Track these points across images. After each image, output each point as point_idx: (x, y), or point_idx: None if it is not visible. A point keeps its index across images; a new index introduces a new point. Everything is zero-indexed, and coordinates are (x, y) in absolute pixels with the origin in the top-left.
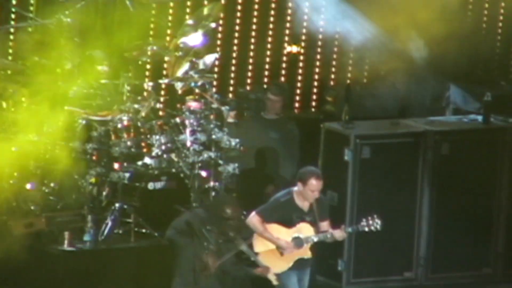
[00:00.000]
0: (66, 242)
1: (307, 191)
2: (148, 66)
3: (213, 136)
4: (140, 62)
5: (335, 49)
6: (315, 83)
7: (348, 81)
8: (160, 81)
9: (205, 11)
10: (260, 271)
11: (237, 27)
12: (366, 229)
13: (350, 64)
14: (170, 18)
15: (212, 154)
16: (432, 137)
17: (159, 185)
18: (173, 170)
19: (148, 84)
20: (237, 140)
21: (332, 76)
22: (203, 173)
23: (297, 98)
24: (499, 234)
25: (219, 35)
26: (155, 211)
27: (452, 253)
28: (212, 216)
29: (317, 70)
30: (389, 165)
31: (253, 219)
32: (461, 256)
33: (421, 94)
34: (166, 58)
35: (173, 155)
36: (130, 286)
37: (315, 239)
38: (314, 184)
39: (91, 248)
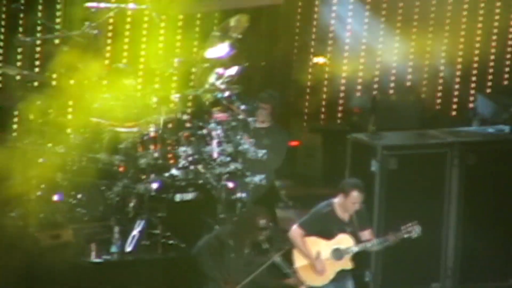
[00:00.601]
0: (93, 253)
1: (349, 203)
2: (175, 78)
3: (240, 147)
4: (167, 74)
5: (362, 60)
6: (341, 94)
7: (375, 92)
8: (187, 92)
9: (232, 22)
10: (292, 283)
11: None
12: (407, 235)
13: (376, 76)
14: (197, 29)
15: (239, 165)
16: (459, 148)
17: (186, 196)
18: (200, 181)
19: (175, 96)
20: (264, 151)
21: (358, 86)
22: (230, 184)
23: (323, 109)
24: None
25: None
26: (182, 222)
27: (479, 264)
28: (244, 229)
29: (342, 81)
30: (416, 176)
31: (294, 232)
32: (488, 267)
33: (446, 105)
34: (193, 70)
35: (199, 167)
36: None
37: (355, 250)
38: (356, 196)
39: (118, 260)
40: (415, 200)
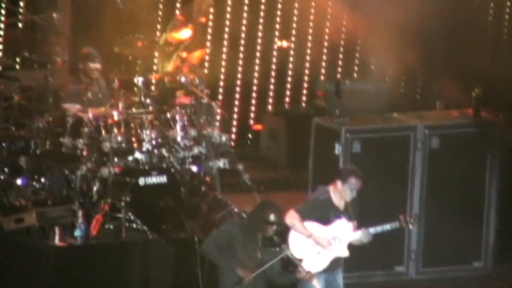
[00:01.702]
0: (57, 237)
1: (346, 190)
2: (138, 61)
3: (204, 131)
4: (130, 58)
5: (325, 44)
6: (305, 78)
7: (339, 76)
8: (150, 76)
9: (195, 6)
10: (304, 277)
11: (227, 22)
12: (404, 225)
13: (340, 59)
14: (160, 13)
15: (203, 149)
16: (422, 131)
17: (150, 180)
18: (164, 165)
19: (138, 79)
20: (227, 135)
21: (322, 71)
22: (194, 168)
23: (288, 93)
24: (490, 228)
25: (209, 30)
26: (145, 206)
27: (442, 247)
28: (255, 223)
29: (307, 65)
30: (380, 160)
31: (292, 216)
32: (451, 250)
33: (410, 89)
34: (156, 53)
35: (163, 150)
36: (121, 281)
37: (353, 237)
38: (354, 182)
39: (81, 244)
40: (378, 184)
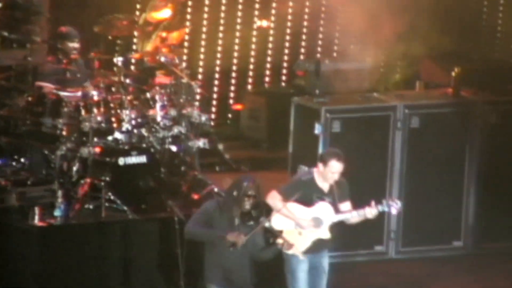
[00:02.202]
0: (36, 217)
1: (328, 172)
2: (118, 41)
3: (183, 111)
4: (109, 37)
5: (305, 24)
6: (285, 57)
7: (319, 56)
8: (130, 55)
9: None
10: (283, 246)
11: (207, 2)
12: (387, 209)
13: (320, 39)
14: None
15: (182, 129)
16: (402, 111)
17: (129, 160)
18: (144, 145)
19: (118, 59)
20: (207, 114)
21: (302, 50)
22: (174, 148)
23: (268, 72)
24: (470, 207)
25: (189, 10)
26: (125, 186)
27: (422, 227)
28: (232, 197)
29: (287, 44)
30: (360, 139)
31: (273, 196)
32: (431, 229)
33: (390, 68)
34: (135, 33)
35: (143, 130)
36: (101, 261)
37: (335, 220)
38: (335, 165)
39: (61, 223)
40: (358, 163)
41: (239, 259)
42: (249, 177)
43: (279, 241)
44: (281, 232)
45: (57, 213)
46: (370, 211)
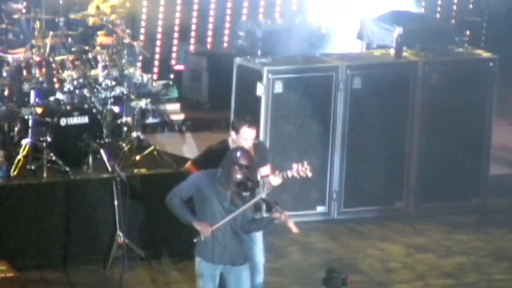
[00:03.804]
0: None
1: (240, 140)
2: (60, 1)
3: (125, 72)
4: None
5: None
6: (227, 18)
7: (261, 16)
8: (72, 16)
9: None
10: (280, 218)
11: None
12: (296, 174)
13: None
14: None
15: (124, 90)
16: (344, 71)
17: (71, 120)
18: (85, 105)
19: (59, 20)
20: (149, 75)
21: (245, 11)
22: (116, 109)
23: (209, 33)
24: (411, 168)
25: None
26: (67, 147)
27: (365, 188)
28: (226, 168)
29: (229, 5)
30: (302, 100)
31: (188, 167)
32: (373, 190)
33: (333, 29)
34: None
35: (85, 91)
36: (42, 222)
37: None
38: (247, 132)
39: (3, 184)
40: (301, 124)
41: (229, 235)
42: (241, 148)
43: (276, 214)
44: (276, 204)
45: None
46: (274, 179)
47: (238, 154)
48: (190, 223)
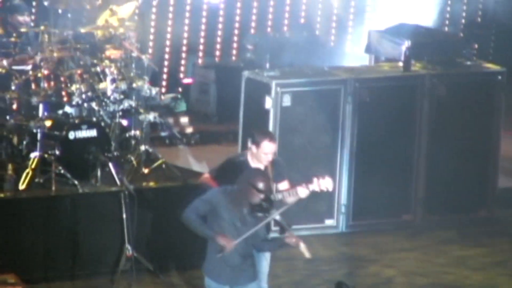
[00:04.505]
0: None
1: (260, 154)
2: (69, 15)
3: (134, 85)
4: (60, 11)
5: None
6: (236, 31)
7: (269, 29)
8: (80, 29)
9: None
10: (291, 242)
11: None
12: (317, 189)
13: (270, 12)
14: None
15: (133, 103)
16: (352, 85)
17: (80, 134)
18: (94, 118)
19: (68, 33)
20: (157, 88)
21: (253, 24)
22: (124, 122)
23: (218, 46)
24: (419, 180)
25: None
26: (75, 160)
27: (372, 200)
28: (243, 190)
29: (237, 18)
30: (310, 113)
31: (204, 179)
32: (381, 203)
33: (341, 41)
34: (86, 6)
35: (93, 104)
36: (50, 235)
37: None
38: (268, 146)
39: (11, 197)
40: (309, 137)
41: (238, 255)
42: (261, 172)
43: (288, 237)
44: (289, 226)
45: (6, 186)
46: (303, 191)
47: (256, 176)
48: (211, 238)
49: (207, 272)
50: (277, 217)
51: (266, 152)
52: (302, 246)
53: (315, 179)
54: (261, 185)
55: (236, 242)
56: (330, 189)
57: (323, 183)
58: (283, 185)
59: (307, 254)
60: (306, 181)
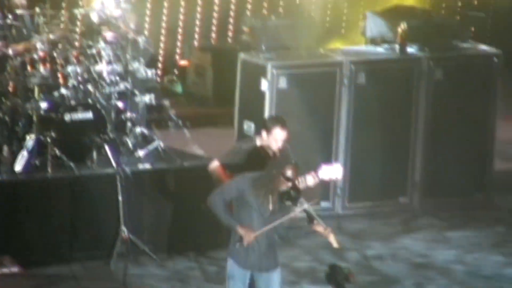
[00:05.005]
0: None
1: (271, 140)
2: None
3: (129, 67)
4: None
5: None
6: (232, 14)
7: (264, 11)
8: (76, 11)
9: None
10: (321, 231)
11: None
12: (326, 178)
13: None
14: None
15: (129, 85)
16: (348, 67)
17: (76, 115)
18: (90, 100)
19: (64, 15)
20: (153, 70)
21: (249, 6)
22: (120, 104)
23: (214, 28)
24: (416, 163)
25: None
26: (71, 142)
27: (368, 183)
28: (272, 177)
29: (233, 0)
30: (306, 95)
31: (214, 164)
32: (377, 185)
33: (336, 24)
34: None
35: (89, 86)
36: (48, 217)
37: None
38: (279, 133)
39: (7, 179)
40: (305, 120)
41: (265, 242)
42: (291, 160)
43: (317, 226)
44: (319, 217)
45: (2, 169)
46: (311, 179)
47: (284, 164)
48: (232, 227)
49: (232, 255)
50: (305, 206)
51: (276, 139)
52: (331, 236)
53: (324, 167)
54: (289, 173)
55: (257, 234)
56: (340, 177)
57: (333, 172)
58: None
59: (335, 244)
60: (315, 169)
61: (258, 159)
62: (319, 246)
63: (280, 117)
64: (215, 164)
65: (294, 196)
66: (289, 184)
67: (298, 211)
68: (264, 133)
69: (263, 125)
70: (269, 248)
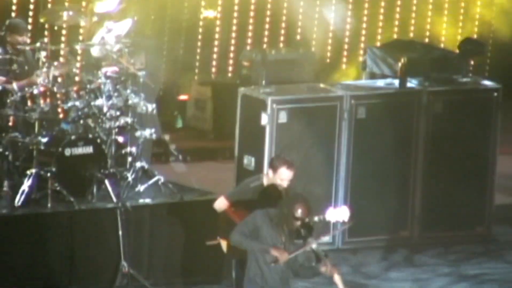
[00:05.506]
0: None
1: (277, 179)
2: (64, 32)
3: (130, 102)
4: (56, 28)
5: (252, 14)
6: (232, 48)
7: (265, 46)
8: (76, 46)
9: None
10: (326, 271)
11: None
12: (333, 220)
13: (266, 29)
14: None
15: (129, 120)
16: (349, 101)
17: (76, 150)
18: (90, 135)
19: (64, 50)
20: (154, 105)
21: (249, 41)
22: (120, 138)
23: (214, 63)
24: (416, 197)
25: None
26: (72, 176)
27: (368, 217)
28: (282, 215)
29: (233, 35)
30: (306, 130)
31: (221, 202)
32: (377, 219)
33: (336, 58)
34: (82, 23)
35: (89, 121)
36: (47, 251)
37: None
38: (285, 173)
39: (7, 214)
40: (305, 154)
41: (279, 275)
42: (302, 198)
43: (323, 267)
44: (326, 256)
45: (2, 203)
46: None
47: (295, 203)
48: (266, 251)
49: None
50: (314, 246)
51: (282, 178)
52: (337, 278)
53: (331, 209)
54: (298, 212)
55: (292, 255)
56: (346, 219)
57: (340, 214)
58: None
59: (341, 286)
60: (321, 211)
61: (267, 197)
62: (328, 282)
63: (288, 159)
64: (222, 202)
65: (304, 234)
66: (298, 223)
67: (305, 248)
68: (270, 172)
69: (269, 164)
70: (283, 284)
